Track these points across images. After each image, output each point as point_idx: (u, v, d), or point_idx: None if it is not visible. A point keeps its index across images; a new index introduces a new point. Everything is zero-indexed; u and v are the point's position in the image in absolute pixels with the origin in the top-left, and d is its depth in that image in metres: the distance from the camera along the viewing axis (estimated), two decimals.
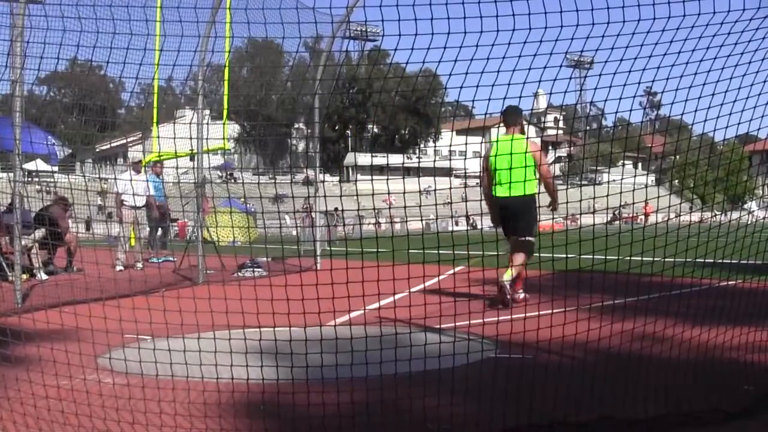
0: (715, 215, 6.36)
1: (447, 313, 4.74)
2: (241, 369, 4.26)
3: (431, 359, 4.13)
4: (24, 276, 10.89)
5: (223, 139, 14.75)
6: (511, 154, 8.90)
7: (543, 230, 10.43)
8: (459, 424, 3.93)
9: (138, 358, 4.58)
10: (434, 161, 5.27)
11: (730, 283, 6.92)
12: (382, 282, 4.13)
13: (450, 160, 9.75)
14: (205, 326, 4.64)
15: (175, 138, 11.21)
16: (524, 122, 9.34)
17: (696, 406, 4.13)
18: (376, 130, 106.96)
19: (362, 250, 4.70)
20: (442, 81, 6.28)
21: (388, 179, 4.36)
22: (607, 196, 5.28)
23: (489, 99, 4.38)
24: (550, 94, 4.87)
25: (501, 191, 9.05)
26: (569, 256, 4.49)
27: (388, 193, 4.46)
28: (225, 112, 15.14)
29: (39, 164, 22.60)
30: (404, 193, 4.53)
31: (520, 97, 4.56)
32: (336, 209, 23.03)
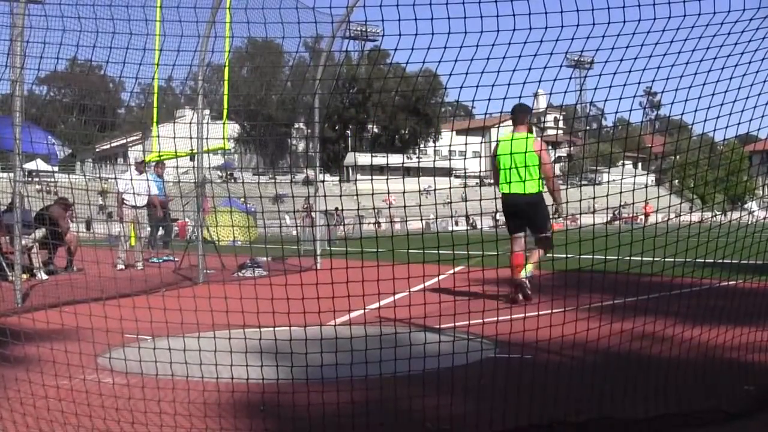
0: (715, 215, 6.36)
1: (447, 313, 4.74)
2: (241, 369, 4.26)
3: (431, 359, 4.13)
4: (24, 276, 10.89)
5: (223, 139, 14.75)
6: (512, 153, 9.01)
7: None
8: (458, 424, 3.93)
9: (138, 357, 4.58)
10: (434, 161, 5.25)
11: (730, 283, 6.92)
12: (382, 282, 4.13)
13: (450, 160, 9.76)
14: (205, 326, 4.64)
15: (175, 138, 11.23)
16: (528, 120, 9.42)
17: (696, 406, 4.12)
18: (376, 130, 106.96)
19: (362, 249, 4.70)
20: (442, 81, 6.28)
21: (388, 179, 4.36)
22: (607, 195, 5.28)
23: (489, 99, 4.39)
24: (550, 94, 4.87)
25: (507, 188, 9.14)
26: (569, 256, 4.49)
27: (388, 193, 4.47)
28: (225, 112, 15.14)
29: (39, 164, 22.60)
30: (404, 192, 4.53)
31: (520, 96, 4.56)
32: (336, 209, 23.04)
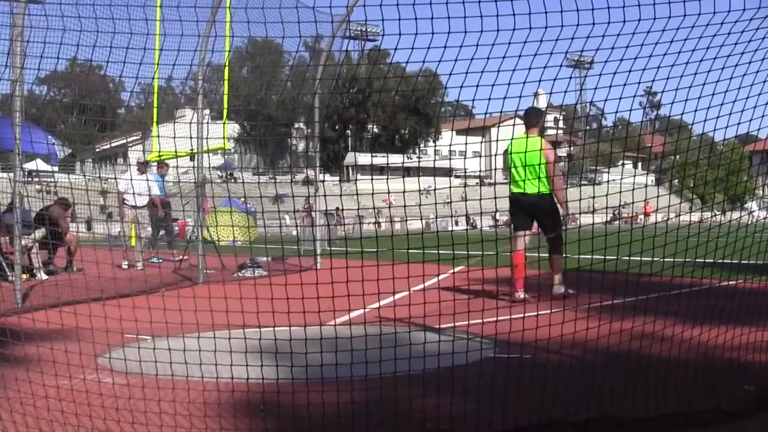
0: (715, 215, 6.36)
1: (446, 312, 4.74)
2: (241, 369, 4.26)
3: (431, 359, 4.13)
4: (24, 276, 10.89)
5: (223, 138, 14.74)
6: (520, 154, 9.17)
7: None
8: (458, 423, 3.93)
9: (138, 357, 4.58)
10: (434, 161, 5.26)
11: (730, 283, 6.92)
12: (382, 282, 4.13)
13: (450, 160, 9.80)
14: (205, 326, 4.64)
15: (175, 138, 11.23)
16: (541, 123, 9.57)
17: (696, 406, 4.12)
18: (376, 130, 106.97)
19: (362, 249, 4.70)
20: (442, 81, 6.29)
21: (388, 179, 4.36)
22: (607, 195, 5.28)
23: (489, 99, 4.39)
24: (550, 93, 4.86)
25: (515, 188, 9.44)
26: (569, 256, 4.49)
27: (388, 193, 4.47)
28: (225, 112, 15.13)
29: (39, 164, 22.60)
30: (404, 192, 4.53)
31: (520, 96, 4.56)
32: (337, 209, 23.04)
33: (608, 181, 6.04)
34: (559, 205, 9.26)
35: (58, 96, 17.90)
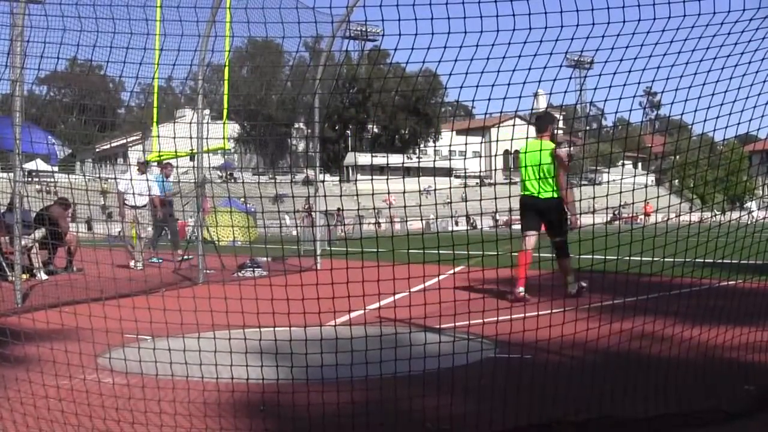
0: (715, 215, 6.36)
1: (447, 313, 4.74)
2: (241, 369, 4.26)
3: (431, 359, 4.13)
4: (24, 276, 10.89)
5: (223, 139, 14.74)
6: (531, 157, 9.30)
7: (543, 230, 10.52)
8: (458, 424, 3.93)
9: (138, 357, 4.58)
10: (434, 161, 5.25)
11: (730, 283, 6.92)
12: (382, 282, 4.13)
13: (450, 160, 9.83)
14: (205, 326, 4.64)
15: (175, 138, 11.23)
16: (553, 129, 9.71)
17: (696, 406, 4.12)
18: (376, 130, 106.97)
19: (362, 250, 4.70)
20: (442, 81, 6.30)
21: (388, 179, 4.36)
22: (607, 195, 5.28)
23: (489, 99, 4.39)
24: (550, 94, 4.86)
25: (525, 191, 9.60)
26: (569, 256, 4.49)
27: (388, 193, 4.47)
28: (225, 112, 15.13)
29: (39, 164, 22.61)
30: (404, 192, 4.53)
31: (520, 97, 4.56)
32: (339, 209, 23.10)
33: (608, 182, 6.05)
34: (566, 207, 9.33)
35: (58, 96, 17.89)
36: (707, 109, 4.91)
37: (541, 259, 9.36)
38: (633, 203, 5.24)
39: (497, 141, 5.02)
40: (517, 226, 9.75)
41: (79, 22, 4.96)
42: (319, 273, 10.29)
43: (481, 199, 4.95)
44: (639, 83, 4.65)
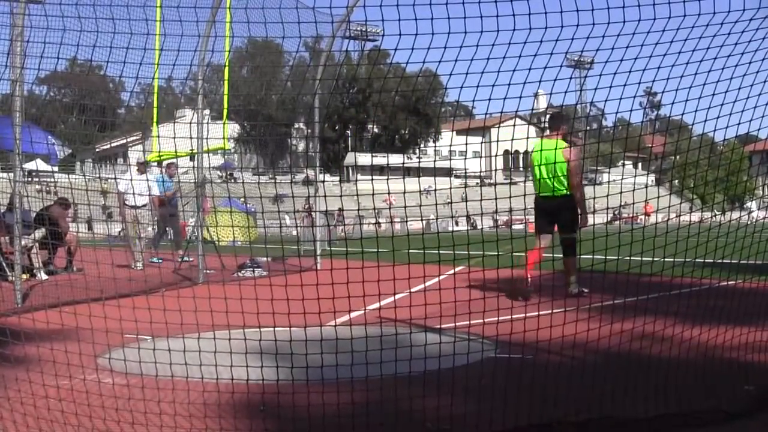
0: (715, 215, 6.36)
1: (447, 313, 4.74)
2: (241, 369, 4.26)
3: (431, 359, 4.12)
4: (24, 276, 10.89)
5: (223, 139, 14.73)
6: (544, 156, 9.41)
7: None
8: (458, 424, 3.93)
9: (138, 358, 4.58)
10: (434, 161, 5.26)
11: (730, 283, 6.92)
12: (382, 282, 4.12)
13: (450, 160, 9.83)
14: (205, 326, 4.64)
15: (175, 138, 11.22)
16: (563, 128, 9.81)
17: (696, 406, 4.12)
18: (376, 130, 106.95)
19: (362, 250, 4.70)
20: (442, 81, 6.29)
21: (388, 179, 4.36)
22: (608, 196, 5.28)
23: (489, 99, 4.39)
24: (551, 94, 4.87)
25: (539, 191, 9.78)
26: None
27: (389, 193, 4.46)
28: (225, 112, 15.12)
29: (39, 164, 22.61)
30: (404, 193, 4.53)
31: (521, 97, 4.56)
32: (340, 209, 23.06)
33: (609, 182, 6.04)
34: (578, 207, 9.39)
35: (58, 96, 17.89)
36: (707, 109, 4.91)
37: (542, 259, 9.37)
38: (633, 203, 5.24)
39: (497, 141, 5.03)
40: (517, 226, 9.78)
41: (79, 22, 4.96)
42: (319, 273, 10.30)
43: (481, 200, 4.95)
44: (639, 83, 4.65)
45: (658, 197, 6.73)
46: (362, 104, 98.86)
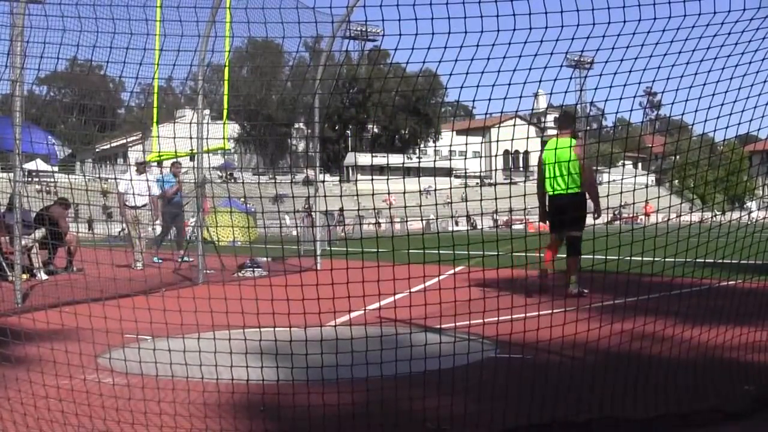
0: (715, 215, 6.36)
1: (447, 313, 4.74)
2: (241, 370, 4.26)
3: (431, 359, 4.12)
4: (24, 276, 10.89)
5: (223, 139, 14.73)
6: (556, 155, 9.53)
7: (543, 230, 10.57)
8: (458, 424, 3.93)
9: (138, 358, 4.57)
10: (434, 161, 5.26)
11: (729, 283, 6.91)
12: (382, 282, 4.12)
13: (450, 160, 9.82)
14: (205, 326, 4.64)
15: (175, 138, 11.22)
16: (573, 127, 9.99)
17: (696, 406, 4.13)
18: (376, 130, 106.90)
19: (362, 250, 4.70)
20: (442, 81, 6.29)
21: (388, 179, 4.36)
22: (608, 196, 5.28)
23: (489, 99, 4.39)
24: (551, 94, 4.87)
25: (551, 190, 9.87)
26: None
27: (389, 193, 4.46)
28: (225, 112, 15.12)
29: (39, 164, 22.63)
30: (404, 193, 4.53)
31: (521, 97, 4.55)
32: (341, 209, 23.06)
33: (609, 182, 6.04)
34: (591, 204, 9.45)
35: (58, 96, 17.89)
36: (707, 109, 4.91)
37: (542, 259, 9.38)
38: (633, 203, 5.24)
39: (497, 141, 5.03)
40: (517, 226, 9.80)
41: (79, 23, 4.96)
42: (319, 273, 10.30)
43: (481, 200, 4.95)
44: (639, 83, 4.65)
45: (659, 197, 6.73)
46: (362, 104, 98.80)
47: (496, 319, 4.55)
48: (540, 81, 4.54)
